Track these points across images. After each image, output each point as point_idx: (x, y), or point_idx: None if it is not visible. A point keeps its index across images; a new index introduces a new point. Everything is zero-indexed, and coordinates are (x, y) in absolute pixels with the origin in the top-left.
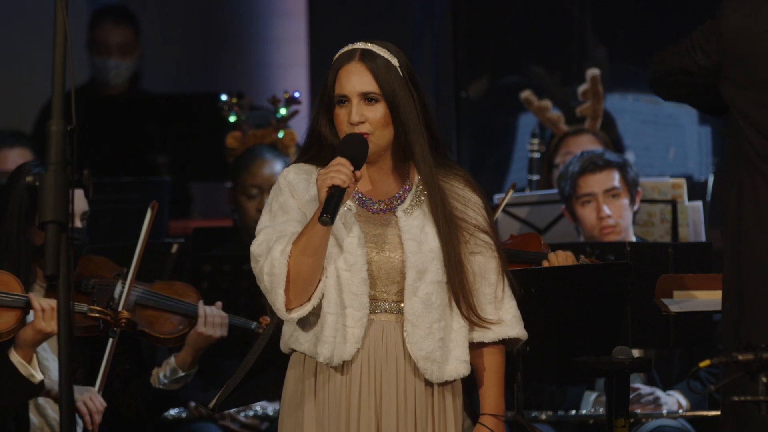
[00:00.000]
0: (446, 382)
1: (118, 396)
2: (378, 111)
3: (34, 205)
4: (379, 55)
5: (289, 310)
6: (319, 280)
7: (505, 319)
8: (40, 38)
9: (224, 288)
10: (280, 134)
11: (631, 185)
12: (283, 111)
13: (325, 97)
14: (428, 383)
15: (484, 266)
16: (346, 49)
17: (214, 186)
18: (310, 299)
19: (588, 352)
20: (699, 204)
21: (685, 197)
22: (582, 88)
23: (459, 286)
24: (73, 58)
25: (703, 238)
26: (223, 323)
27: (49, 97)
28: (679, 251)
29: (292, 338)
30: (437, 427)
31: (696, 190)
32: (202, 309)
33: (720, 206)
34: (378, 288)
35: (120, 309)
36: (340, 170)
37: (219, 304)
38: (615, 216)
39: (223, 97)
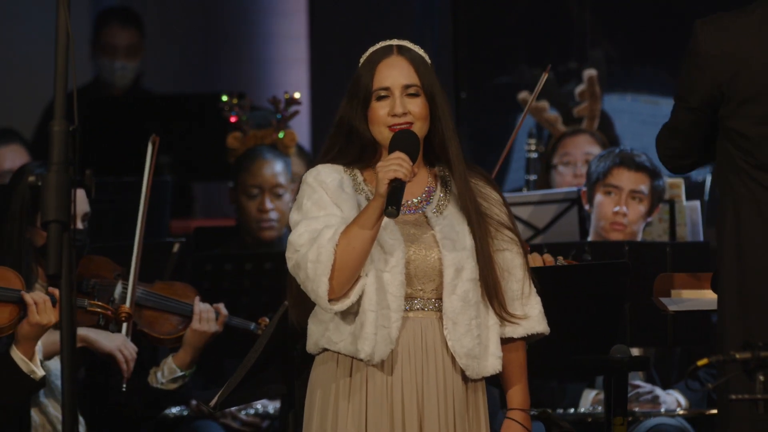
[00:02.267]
0: (480, 378)
1: (116, 395)
2: (419, 104)
3: (36, 205)
4: (415, 50)
5: (330, 300)
6: (359, 278)
7: (532, 315)
8: (42, 39)
9: (225, 287)
10: (281, 134)
11: (655, 197)
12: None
13: (360, 92)
14: (465, 380)
15: (511, 262)
16: (380, 45)
17: (215, 186)
18: (349, 295)
19: (587, 351)
20: (697, 204)
21: (683, 197)
22: (579, 88)
23: (491, 283)
24: (75, 58)
25: (701, 238)
26: (219, 318)
27: (52, 98)
28: (677, 250)
29: (324, 338)
30: (472, 423)
31: (694, 190)
32: (197, 306)
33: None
34: (414, 286)
35: (128, 304)
36: (401, 164)
37: (221, 306)
38: (630, 217)
39: (224, 98)
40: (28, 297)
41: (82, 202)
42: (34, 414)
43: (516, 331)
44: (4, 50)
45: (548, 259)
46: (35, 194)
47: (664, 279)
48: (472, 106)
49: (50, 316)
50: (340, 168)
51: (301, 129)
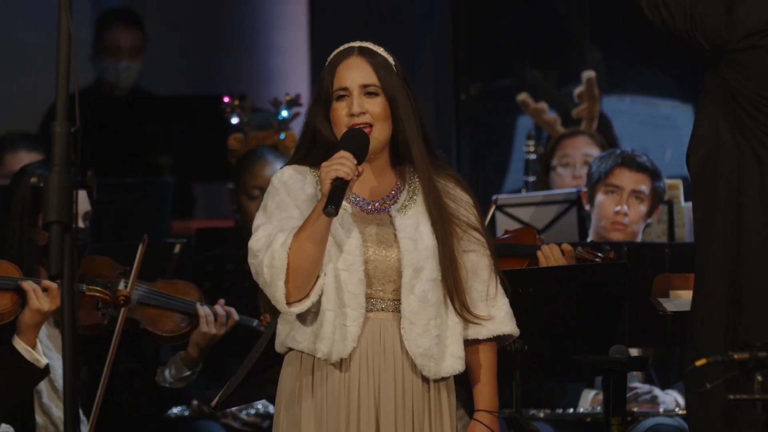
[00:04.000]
0: (442, 379)
1: (121, 394)
2: (378, 104)
3: (38, 205)
4: (377, 52)
5: (289, 303)
6: (318, 277)
7: (498, 316)
8: (43, 41)
9: (226, 287)
10: (282, 136)
11: (655, 198)
12: (284, 113)
13: (322, 94)
14: (425, 380)
15: (477, 264)
16: (342, 47)
17: (216, 187)
18: (309, 295)
19: (586, 351)
20: None
21: (682, 198)
22: (578, 90)
23: (453, 284)
24: (77, 60)
25: None
26: (228, 322)
27: (54, 99)
28: (676, 251)
29: (289, 337)
30: (433, 424)
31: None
32: (201, 309)
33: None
34: (374, 286)
35: (128, 290)
36: (344, 163)
37: (221, 302)
38: (631, 217)
39: (226, 100)
40: (27, 284)
41: (83, 201)
42: (38, 415)
43: (480, 332)
44: (4, 51)
45: (567, 248)
46: (37, 195)
47: (662, 280)
48: (471, 108)
49: (50, 302)
50: (306, 169)
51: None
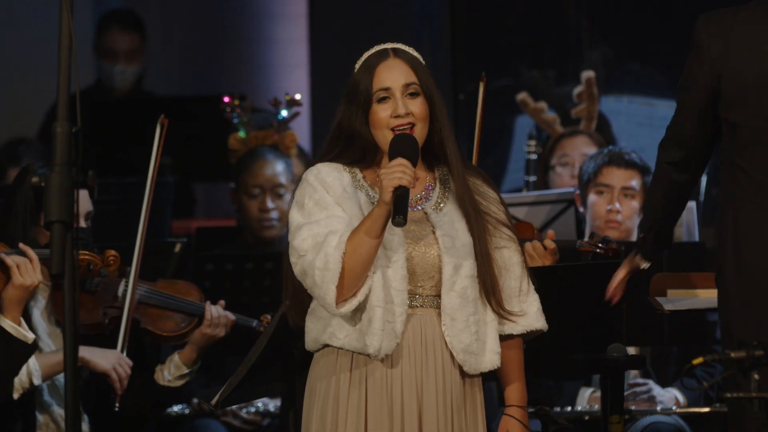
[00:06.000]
0: (477, 375)
1: (121, 393)
2: (420, 104)
3: (40, 205)
4: (409, 52)
5: (337, 304)
6: (365, 278)
7: (530, 312)
8: (45, 41)
9: (226, 287)
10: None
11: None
12: (284, 113)
13: (360, 96)
14: (462, 375)
15: (509, 260)
16: (376, 49)
17: (217, 186)
18: (357, 294)
19: (584, 350)
20: (692, 204)
21: None
22: (577, 90)
23: (489, 281)
24: (78, 60)
25: (697, 238)
26: (227, 323)
27: (55, 100)
28: (673, 251)
29: (326, 334)
30: (469, 418)
31: None
32: (209, 311)
33: (713, 207)
34: (415, 282)
35: (129, 295)
36: (404, 171)
37: (222, 303)
38: (624, 214)
39: (226, 100)
40: (9, 259)
41: (85, 201)
42: (38, 414)
43: (514, 328)
44: (5, 52)
45: (550, 244)
46: (39, 194)
47: (660, 279)
48: (470, 108)
49: (33, 276)
50: (339, 166)
51: (301, 131)
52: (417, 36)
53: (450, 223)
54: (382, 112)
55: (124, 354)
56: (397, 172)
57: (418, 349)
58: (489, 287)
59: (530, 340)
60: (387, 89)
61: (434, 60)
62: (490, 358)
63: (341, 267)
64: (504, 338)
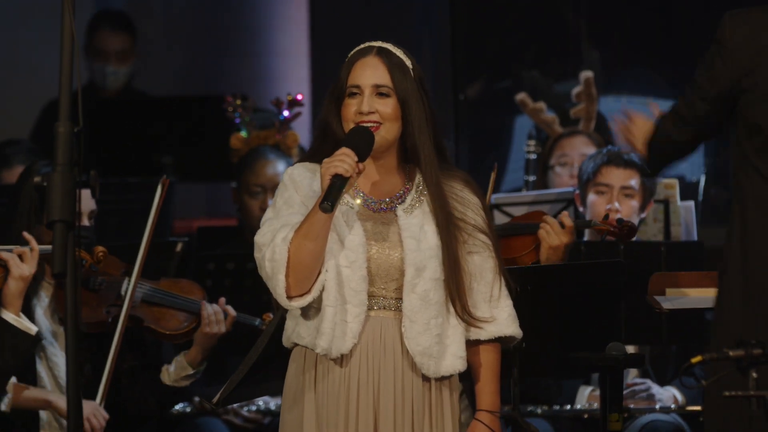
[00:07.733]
0: (443, 378)
1: (126, 392)
2: (389, 105)
3: (43, 204)
4: (394, 54)
5: (290, 297)
6: (319, 273)
7: (500, 318)
8: (36, 42)
9: (228, 286)
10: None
11: (646, 192)
12: (286, 113)
13: (337, 90)
14: (425, 378)
15: (481, 265)
16: (362, 46)
17: (218, 186)
18: (310, 291)
19: (583, 349)
20: (691, 204)
21: (678, 197)
22: (576, 90)
23: (455, 287)
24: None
25: (695, 237)
26: (228, 319)
27: (54, 99)
28: (672, 250)
29: (294, 332)
30: (434, 421)
31: (688, 191)
32: (205, 310)
33: (712, 206)
34: (377, 285)
35: (129, 295)
36: (344, 159)
37: (222, 300)
38: (623, 214)
39: (228, 100)
40: (5, 253)
41: (87, 200)
42: (42, 412)
43: (481, 333)
44: (6, 52)
45: (567, 222)
46: (42, 193)
47: (658, 278)
48: (470, 108)
49: (33, 265)
50: (316, 166)
51: (302, 131)
52: (417, 37)
53: (418, 226)
54: (350, 107)
55: (115, 348)
56: (335, 160)
57: (377, 351)
58: (454, 294)
59: (530, 340)
60: (357, 86)
61: (434, 60)
62: (451, 362)
63: (287, 257)
64: (473, 343)
